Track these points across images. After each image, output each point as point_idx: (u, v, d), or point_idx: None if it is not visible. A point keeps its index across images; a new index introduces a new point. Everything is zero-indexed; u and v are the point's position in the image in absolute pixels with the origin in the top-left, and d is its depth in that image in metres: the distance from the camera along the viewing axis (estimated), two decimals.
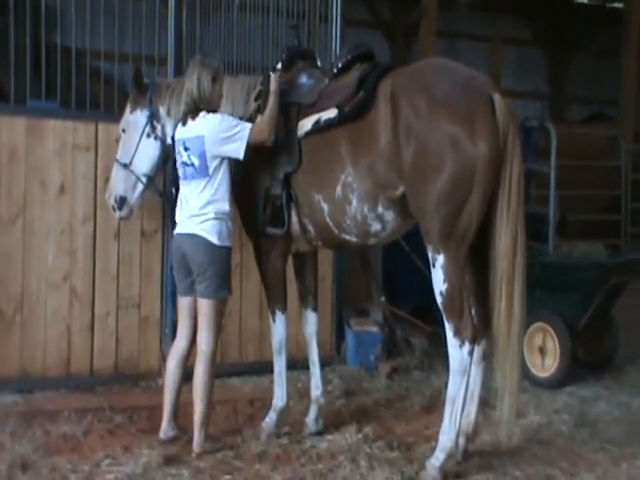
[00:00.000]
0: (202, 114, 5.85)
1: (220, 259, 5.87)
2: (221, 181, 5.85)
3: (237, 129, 5.81)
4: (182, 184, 5.95)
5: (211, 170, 5.81)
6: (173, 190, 6.28)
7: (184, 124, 5.90)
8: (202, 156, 5.80)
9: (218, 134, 5.77)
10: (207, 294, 5.87)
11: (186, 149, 5.85)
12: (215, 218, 5.82)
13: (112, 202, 6.60)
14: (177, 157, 5.96)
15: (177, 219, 5.99)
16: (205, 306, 5.89)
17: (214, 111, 5.91)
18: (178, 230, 5.96)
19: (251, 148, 5.88)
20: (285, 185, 6.03)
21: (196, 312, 6.01)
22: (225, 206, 5.88)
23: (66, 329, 7.24)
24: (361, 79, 5.84)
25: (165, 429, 6.09)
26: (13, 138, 7.05)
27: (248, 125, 5.85)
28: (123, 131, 6.61)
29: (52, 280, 7.19)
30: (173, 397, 6.10)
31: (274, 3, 8.17)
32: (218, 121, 5.82)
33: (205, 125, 5.80)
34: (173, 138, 6.05)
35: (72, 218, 7.25)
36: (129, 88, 6.74)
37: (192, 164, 5.83)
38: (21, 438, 6.02)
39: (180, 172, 5.96)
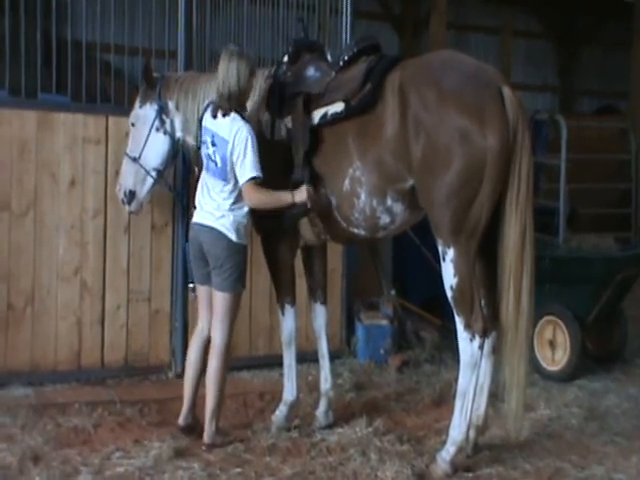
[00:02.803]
0: (233, 115, 5.78)
1: (237, 254, 5.87)
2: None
3: (247, 164, 5.71)
4: (205, 173, 5.93)
5: (229, 176, 5.79)
6: (196, 170, 6.26)
7: (214, 117, 5.84)
8: (224, 160, 5.77)
9: (237, 146, 5.71)
10: (223, 287, 5.87)
11: (213, 144, 5.82)
12: (234, 221, 5.83)
13: (121, 196, 6.62)
14: (203, 146, 5.92)
15: (197, 203, 5.97)
16: (221, 299, 5.90)
17: (244, 107, 5.87)
18: (197, 219, 5.94)
19: (264, 143, 5.89)
20: (305, 168, 5.95)
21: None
22: (243, 210, 5.87)
23: (77, 322, 7.27)
24: (368, 72, 5.81)
25: (186, 415, 6.09)
26: (24, 132, 7.07)
27: (250, 174, 5.72)
28: (133, 125, 6.61)
29: (63, 273, 7.21)
30: (194, 387, 6.09)
31: None
32: (244, 136, 5.71)
33: (233, 131, 5.73)
34: (201, 122, 5.97)
35: (83, 212, 7.27)
36: (139, 82, 6.75)
37: (215, 162, 5.82)
38: (32, 431, 6.06)
39: (204, 161, 5.93)
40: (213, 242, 5.83)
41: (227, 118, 5.79)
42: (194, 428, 6.08)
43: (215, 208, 5.83)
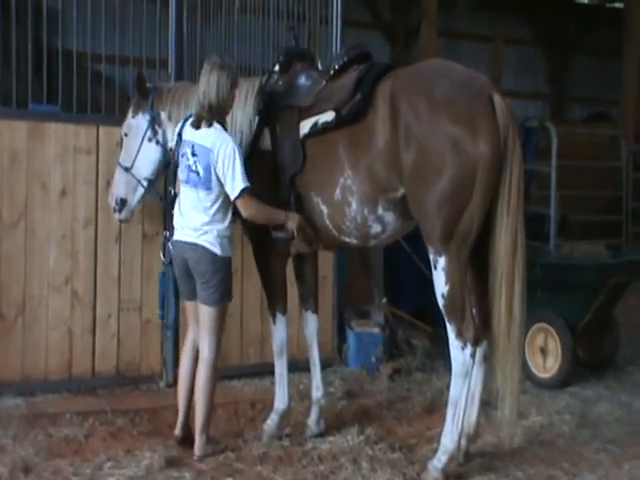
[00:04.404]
0: (217, 126, 5.79)
1: (222, 268, 5.86)
2: (224, 197, 5.81)
3: (237, 176, 5.71)
4: (184, 188, 5.89)
5: (213, 184, 5.78)
6: (171, 190, 6.18)
7: (197, 127, 5.82)
8: (207, 169, 5.76)
9: (224, 160, 5.71)
10: (210, 301, 5.86)
11: (194, 154, 5.80)
12: (217, 235, 5.82)
13: (113, 204, 6.62)
14: (182, 159, 5.89)
15: (176, 225, 5.95)
16: (207, 313, 5.89)
17: (224, 118, 5.89)
18: (179, 237, 5.91)
19: (256, 151, 5.96)
20: (292, 188, 6.02)
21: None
22: (226, 223, 5.86)
23: (68, 332, 7.25)
24: (358, 81, 5.82)
25: (182, 426, 6.08)
26: (15, 142, 7.05)
27: (243, 185, 5.73)
28: (125, 135, 6.60)
29: (54, 283, 7.19)
30: (188, 398, 6.07)
31: (274, 5, 8.18)
32: (231, 149, 5.72)
33: (218, 142, 5.73)
34: (180, 135, 5.94)
35: (73, 221, 7.25)
36: (131, 92, 6.74)
37: (197, 172, 5.79)
38: (23, 441, 6.05)
39: (184, 175, 5.88)
40: (198, 259, 5.82)
41: (210, 129, 5.79)
42: (189, 438, 6.07)
43: (198, 225, 5.80)
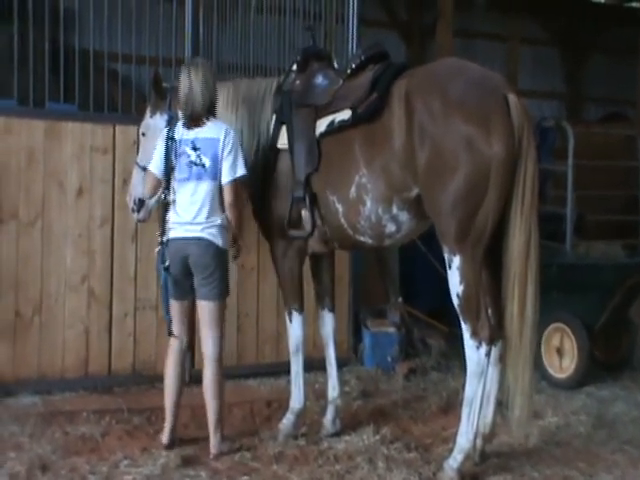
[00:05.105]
0: (213, 119, 5.87)
1: (223, 261, 5.91)
2: None
3: (239, 162, 5.85)
4: (185, 186, 5.84)
5: (219, 174, 5.83)
6: (165, 195, 5.97)
7: (196, 126, 5.85)
8: (215, 158, 5.79)
9: (230, 144, 5.80)
10: (212, 296, 5.87)
11: (195, 149, 5.82)
12: (220, 225, 5.85)
13: (131, 204, 6.63)
14: (181, 158, 5.84)
15: (172, 224, 5.88)
16: (210, 308, 5.89)
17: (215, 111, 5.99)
18: (179, 234, 5.85)
19: (273, 150, 6.08)
20: (307, 187, 6.03)
21: (189, 314, 6.06)
22: (224, 213, 5.91)
23: (84, 330, 7.28)
24: (375, 80, 5.83)
25: (170, 432, 6.03)
26: (32, 141, 7.09)
27: (243, 171, 5.86)
28: (143, 135, 6.62)
29: (70, 282, 7.23)
30: (177, 403, 6.04)
31: (290, 4, 8.19)
32: (235, 137, 5.87)
33: (222, 131, 5.82)
34: (173, 138, 5.89)
35: (90, 220, 7.29)
36: (148, 92, 6.76)
37: (202, 164, 5.81)
38: (40, 439, 6.07)
39: (184, 173, 5.83)
40: (202, 252, 5.81)
41: (208, 122, 5.86)
42: (175, 441, 6.05)
43: (202, 219, 5.81)
